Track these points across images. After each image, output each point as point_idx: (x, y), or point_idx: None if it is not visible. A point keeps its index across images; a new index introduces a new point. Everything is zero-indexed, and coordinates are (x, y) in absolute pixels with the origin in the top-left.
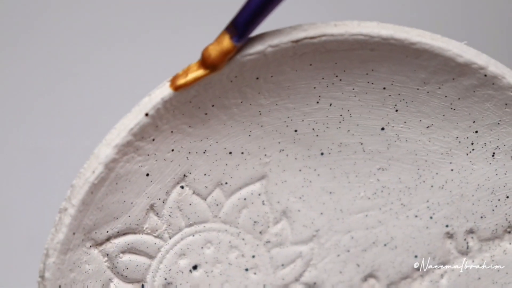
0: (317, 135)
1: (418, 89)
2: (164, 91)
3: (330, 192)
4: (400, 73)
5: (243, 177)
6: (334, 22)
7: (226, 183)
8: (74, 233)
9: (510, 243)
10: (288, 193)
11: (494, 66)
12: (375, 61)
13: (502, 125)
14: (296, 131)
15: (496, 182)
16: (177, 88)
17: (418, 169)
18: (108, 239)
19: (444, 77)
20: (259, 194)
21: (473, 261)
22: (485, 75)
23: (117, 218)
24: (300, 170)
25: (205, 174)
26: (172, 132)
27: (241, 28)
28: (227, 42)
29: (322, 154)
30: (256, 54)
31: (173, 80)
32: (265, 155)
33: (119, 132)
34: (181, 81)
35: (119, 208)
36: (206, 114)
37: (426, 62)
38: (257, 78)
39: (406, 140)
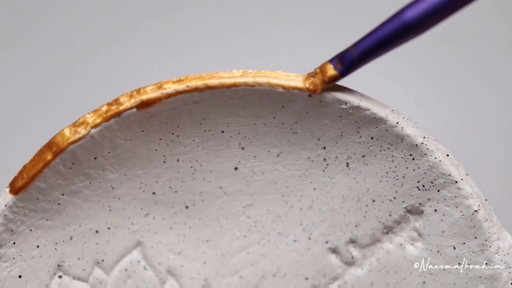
0: (175, 192)
1: (254, 123)
2: (6, 197)
3: (207, 240)
4: (231, 115)
5: (118, 250)
6: (149, 87)
7: (103, 260)
8: None
9: (391, 243)
10: (167, 252)
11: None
12: (203, 111)
13: (345, 136)
14: (154, 193)
15: (359, 189)
16: (17, 192)
17: (283, 196)
18: None
19: (273, 107)
20: (139, 261)
21: (362, 269)
22: (310, 96)
23: None
24: (171, 228)
25: (78, 259)
26: (31, 230)
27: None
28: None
29: (187, 207)
30: (82, 139)
31: (12, 185)
32: (132, 223)
33: None
34: (19, 183)
35: None
36: (59, 204)
37: (250, 99)
38: (95, 158)
39: (262, 173)
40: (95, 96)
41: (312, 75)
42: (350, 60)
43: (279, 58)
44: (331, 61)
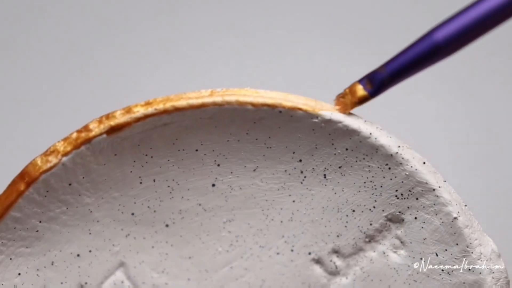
0: (154, 211)
1: (228, 140)
2: None
3: (189, 257)
4: (203, 133)
5: (101, 272)
6: (118, 111)
7: (86, 283)
8: None
9: (374, 251)
10: (150, 271)
11: (284, 101)
12: (174, 132)
13: (320, 148)
14: (133, 214)
15: (338, 200)
16: None
17: (263, 210)
18: None
19: (245, 124)
20: (122, 282)
21: (346, 278)
22: (280, 112)
23: None
24: (153, 247)
25: (62, 283)
26: (11, 259)
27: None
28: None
29: (167, 226)
30: (54, 168)
31: None
32: (113, 245)
33: None
34: None
35: None
36: (37, 231)
37: (220, 117)
38: (70, 184)
39: (240, 188)
40: (78, 112)
41: (341, 96)
42: (380, 80)
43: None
44: (360, 81)
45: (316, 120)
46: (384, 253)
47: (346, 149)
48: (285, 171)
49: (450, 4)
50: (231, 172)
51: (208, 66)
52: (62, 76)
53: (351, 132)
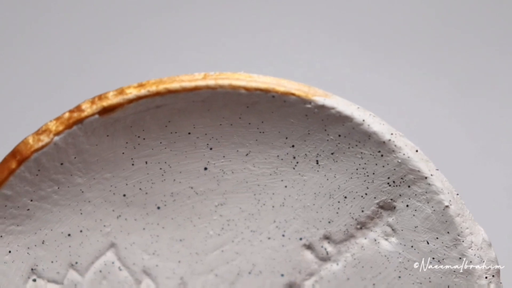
0: (146, 193)
1: (220, 124)
2: None
3: (180, 240)
4: (196, 117)
5: (91, 252)
6: (111, 93)
7: (77, 262)
8: None
9: (365, 238)
10: (141, 252)
11: (277, 86)
12: (167, 114)
13: (312, 134)
14: (124, 195)
15: (330, 186)
16: None
17: (254, 194)
18: None
19: (238, 108)
20: (113, 262)
21: (337, 264)
22: (273, 97)
23: None
24: (144, 229)
25: (52, 262)
26: (1, 236)
27: None
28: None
29: (158, 208)
30: (45, 147)
31: None
32: (104, 225)
33: None
34: None
35: None
36: (28, 209)
37: (213, 101)
38: (62, 164)
39: (232, 172)
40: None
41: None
42: None
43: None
44: None
45: (309, 106)
46: (375, 240)
47: (339, 136)
48: (278, 156)
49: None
50: (224, 156)
51: (203, 58)
52: (57, 57)
53: (344, 119)
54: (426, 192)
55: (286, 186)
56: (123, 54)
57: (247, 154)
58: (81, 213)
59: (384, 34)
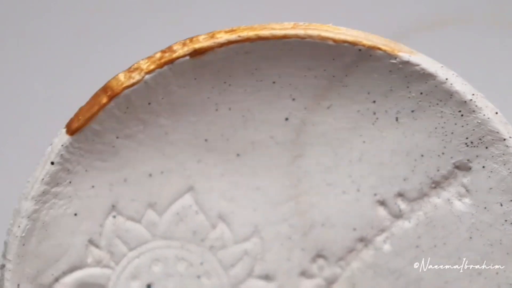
0: (227, 139)
1: (305, 75)
2: (63, 138)
3: (257, 188)
4: (282, 66)
5: (170, 194)
6: (202, 36)
7: (156, 203)
8: (18, 285)
9: (438, 198)
10: (218, 198)
11: (365, 40)
12: (255, 61)
13: (394, 90)
14: (206, 140)
15: (408, 144)
16: (73, 133)
17: (333, 148)
18: (56, 280)
19: (324, 60)
20: (190, 206)
21: (409, 222)
22: (360, 50)
23: (58, 260)
24: (222, 175)
25: (132, 200)
26: (86, 170)
27: None
28: None
29: (238, 155)
30: (136, 85)
31: (68, 126)
32: (185, 169)
33: (33, 185)
34: (75, 125)
35: (57, 251)
36: (113, 146)
37: (301, 51)
38: (149, 104)
39: (313, 124)
40: None
41: None
42: None
43: None
44: None
45: (394, 61)
46: (448, 200)
47: (421, 93)
48: (358, 111)
49: None
50: (305, 108)
51: None
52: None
53: (427, 76)
54: (503, 154)
55: (364, 142)
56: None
57: (328, 107)
58: (163, 155)
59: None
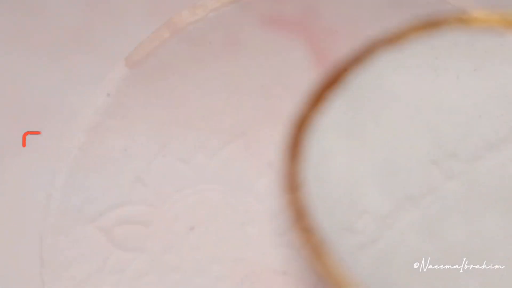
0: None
1: None
2: (121, 70)
3: None
4: None
5: (222, 137)
6: None
7: (206, 146)
8: (64, 215)
9: (493, 161)
10: (268, 146)
11: None
12: None
13: (459, 46)
14: (262, 86)
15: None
16: (131, 66)
17: None
18: (100, 214)
19: None
20: (241, 151)
21: (459, 183)
22: None
23: (104, 194)
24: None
25: (183, 141)
26: (141, 106)
27: None
28: None
29: None
30: (199, 22)
31: (127, 59)
32: (239, 114)
33: (87, 116)
34: (134, 57)
35: (104, 185)
36: (171, 84)
37: None
38: (210, 43)
39: None
40: None
41: None
42: None
43: None
44: None
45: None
46: (503, 164)
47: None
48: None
49: None
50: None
51: None
52: None
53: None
54: None
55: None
56: None
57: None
58: (219, 98)
59: None
